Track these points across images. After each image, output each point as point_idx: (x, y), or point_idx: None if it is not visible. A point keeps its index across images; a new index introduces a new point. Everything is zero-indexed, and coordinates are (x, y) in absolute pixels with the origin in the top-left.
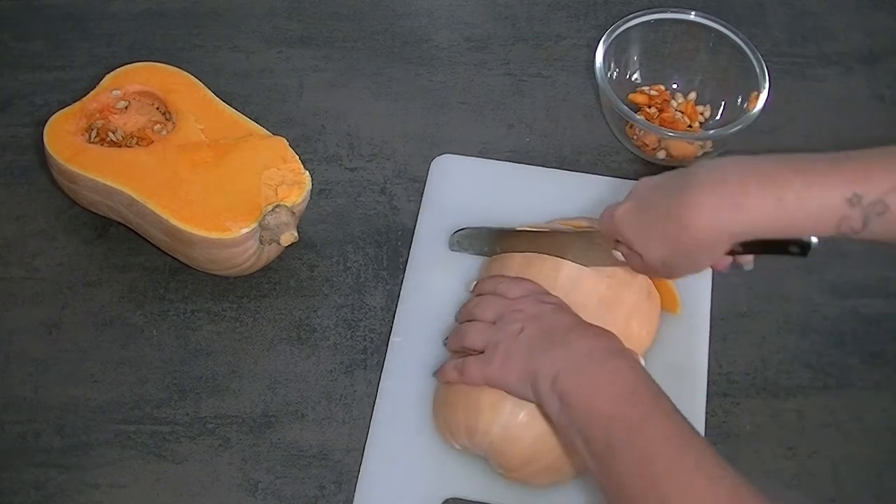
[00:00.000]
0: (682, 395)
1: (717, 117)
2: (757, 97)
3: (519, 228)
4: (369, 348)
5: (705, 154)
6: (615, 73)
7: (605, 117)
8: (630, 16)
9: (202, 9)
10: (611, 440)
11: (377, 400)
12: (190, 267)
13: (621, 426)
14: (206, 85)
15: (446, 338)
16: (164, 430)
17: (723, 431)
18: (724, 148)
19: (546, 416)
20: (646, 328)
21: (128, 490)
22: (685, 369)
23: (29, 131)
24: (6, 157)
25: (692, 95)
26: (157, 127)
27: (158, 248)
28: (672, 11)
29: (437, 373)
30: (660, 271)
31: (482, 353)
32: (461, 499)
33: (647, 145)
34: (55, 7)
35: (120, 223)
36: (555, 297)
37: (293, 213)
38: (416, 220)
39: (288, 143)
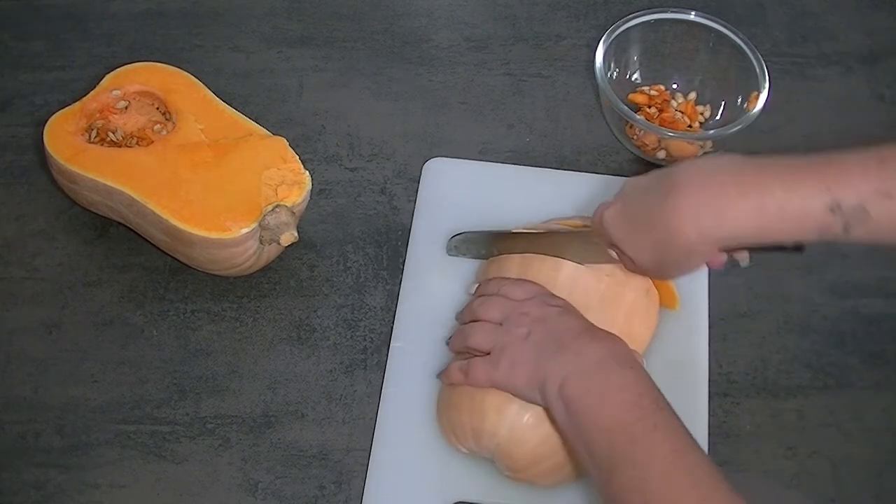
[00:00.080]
0: (683, 392)
1: (717, 117)
2: (757, 97)
3: (515, 230)
4: (369, 348)
5: (705, 154)
6: (615, 73)
7: (605, 117)
8: (630, 16)
9: (202, 9)
10: (612, 453)
11: (380, 406)
12: (190, 267)
13: (623, 439)
14: (206, 85)
15: (449, 338)
16: (164, 430)
17: (723, 431)
18: (723, 148)
19: (552, 419)
20: (646, 325)
21: (128, 490)
22: (686, 365)
23: (29, 131)
24: (6, 157)
25: (692, 95)
26: (157, 127)
27: (158, 248)
28: (672, 11)
29: (442, 374)
30: (651, 272)
31: (486, 353)
32: (468, 503)
33: (647, 145)
34: (55, 7)
35: (120, 223)
36: (560, 299)
37: (293, 213)
38: (411, 223)
39: (288, 143)
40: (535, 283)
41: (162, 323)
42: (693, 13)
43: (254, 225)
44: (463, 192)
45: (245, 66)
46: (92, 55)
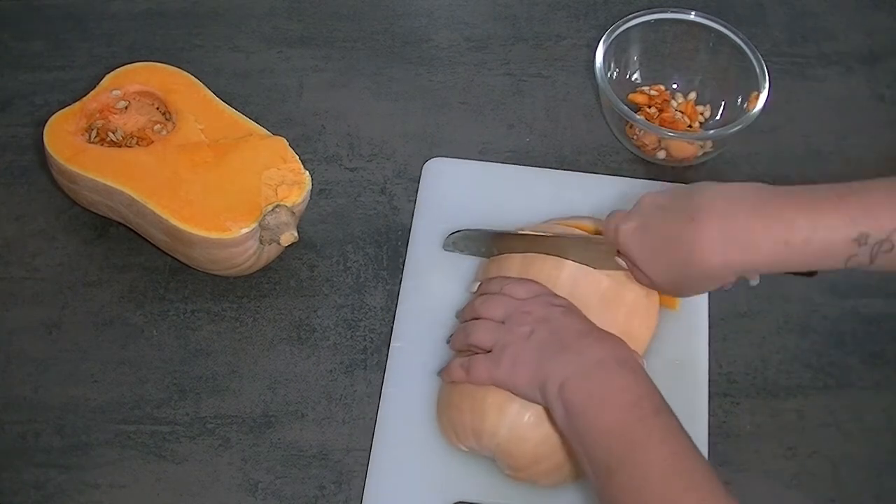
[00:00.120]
0: (683, 392)
1: (717, 117)
2: (757, 97)
3: (517, 231)
4: (369, 348)
5: (705, 154)
6: (615, 73)
7: (605, 117)
8: (630, 16)
9: (202, 9)
10: (611, 455)
11: (380, 406)
12: (190, 267)
13: (622, 442)
14: (206, 85)
15: (450, 337)
16: (164, 430)
17: (723, 431)
18: (723, 148)
19: (552, 419)
20: (646, 325)
21: (128, 490)
22: (686, 365)
23: (29, 131)
24: (6, 157)
25: (692, 95)
26: (157, 127)
27: (158, 248)
28: (672, 11)
29: (443, 372)
30: (665, 291)
31: (488, 351)
32: (469, 502)
33: (647, 145)
34: (55, 7)
35: (120, 223)
36: (563, 299)
37: (293, 213)
38: (411, 223)
39: (288, 143)
40: (537, 283)
41: (162, 323)
42: (693, 13)
43: (254, 225)
44: (463, 191)
45: (245, 66)
46: (92, 55)
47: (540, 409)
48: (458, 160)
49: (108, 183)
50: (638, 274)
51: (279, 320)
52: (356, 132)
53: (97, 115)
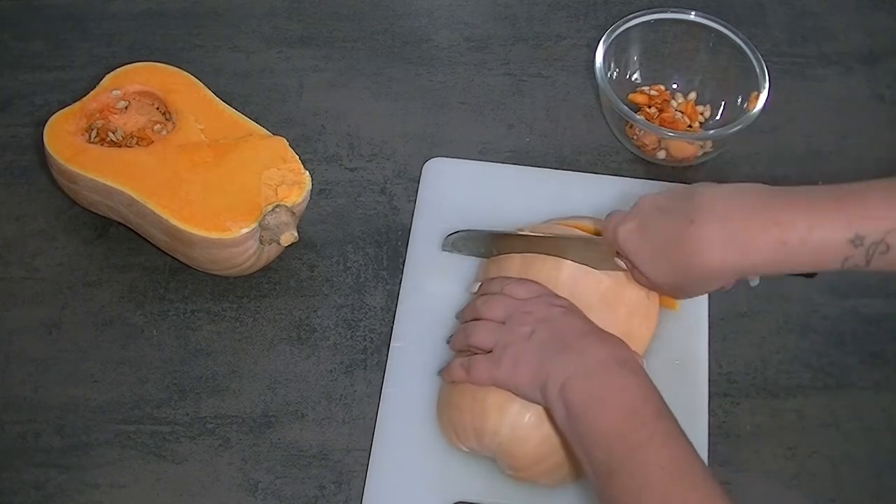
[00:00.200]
0: (683, 392)
1: (717, 117)
2: (757, 97)
3: (520, 233)
4: (369, 348)
5: (705, 154)
6: (615, 73)
7: (605, 117)
8: (630, 16)
9: (202, 9)
10: (611, 457)
11: (380, 407)
12: (190, 267)
13: (622, 445)
14: (206, 85)
15: (450, 337)
16: (164, 430)
17: (723, 431)
18: (723, 148)
19: (552, 419)
20: (646, 325)
21: (128, 490)
22: (686, 365)
23: (29, 131)
24: (6, 157)
25: (692, 95)
26: (157, 127)
27: (158, 248)
28: (672, 11)
29: (443, 371)
30: (665, 291)
31: (488, 352)
32: (469, 502)
33: (647, 145)
34: (55, 7)
35: (120, 223)
36: (564, 299)
37: (293, 213)
38: (411, 223)
39: (288, 143)
40: (538, 283)
41: (162, 323)
42: (693, 13)
43: (254, 225)
44: (463, 192)
45: (245, 66)
46: (92, 55)
47: (540, 409)
48: (458, 160)
49: (108, 183)
50: (637, 275)
51: (279, 320)
52: (356, 132)
53: (97, 115)
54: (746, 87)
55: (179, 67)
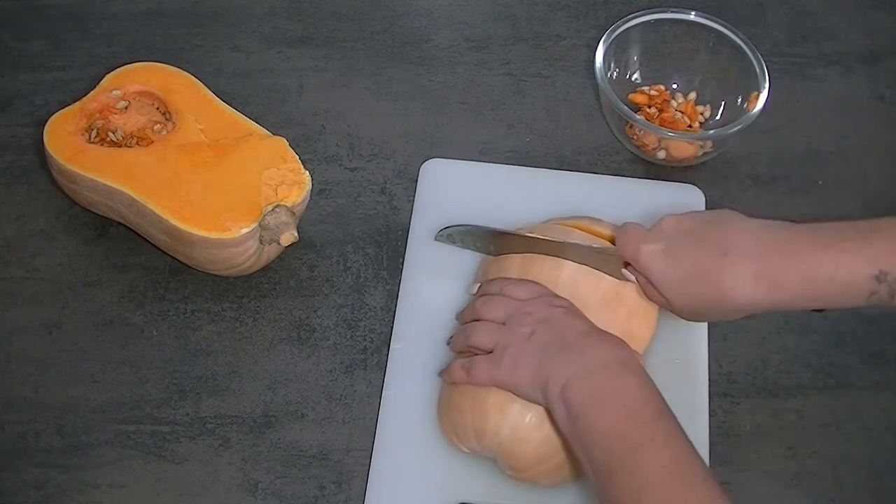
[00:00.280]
0: (683, 392)
1: (717, 117)
2: (757, 97)
3: (517, 231)
4: (369, 348)
5: (705, 154)
6: (615, 73)
7: (605, 117)
8: (630, 16)
9: (202, 9)
10: (611, 458)
11: (381, 407)
12: (190, 267)
13: (622, 446)
14: (206, 85)
15: (450, 338)
16: (164, 430)
17: (723, 431)
18: (723, 148)
19: (552, 419)
20: (646, 325)
21: (128, 490)
22: (686, 365)
23: (29, 131)
24: (6, 157)
25: (692, 95)
26: (157, 127)
27: (158, 248)
28: (672, 11)
29: (444, 373)
30: (681, 314)
31: (488, 352)
32: (470, 503)
33: (647, 145)
34: (55, 7)
35: (120, 223)
36: (564, 299)
37: (293, 213)
38: (410, 224)
39: (288, 143)
40: (538, 284)
41: (162, 323)
42: (693, 13)
43: (254, 225)
44: (462, 191)
45: (245, 66)
46: (92, 55)
47: (541, 409)
48: (455, 160)
49: (108, 183)
50: (652, 292)
51: (279, 320)
52: (356, 132)
53: (97, 115)
54: (746, 87)
55: (179, 67)
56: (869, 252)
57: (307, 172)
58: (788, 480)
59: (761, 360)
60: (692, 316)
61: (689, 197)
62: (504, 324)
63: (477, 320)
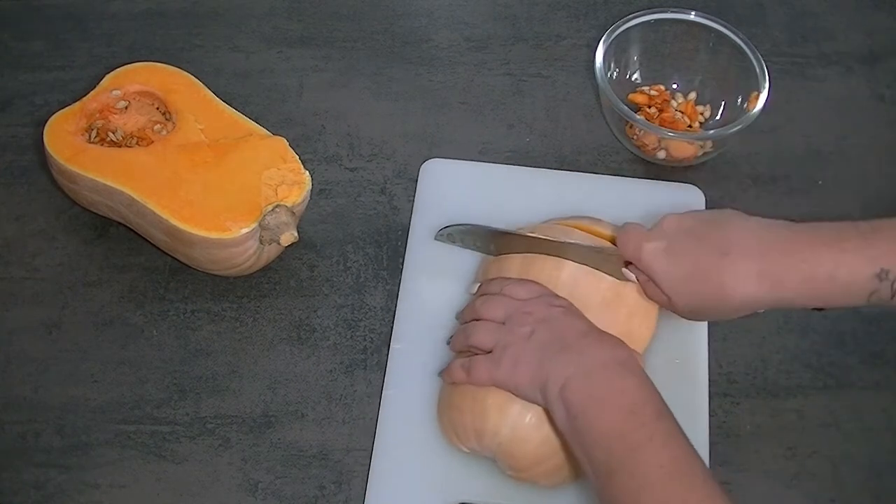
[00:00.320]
0: (683, 392)
1: (717, 117)
2: (757, 97)
3: (517, 231)
4: (369, 348)
5: (705, 154)
6: (615, 73)
7: (605, 117)
8: (630, 16)
9: (202, 9)
10: (610, 458)
11: (381, 407)
12: (190, 267)
13: (622, 446)
14: (206, 85)
15: (450, 338)
16: (164, 430)
17: (723, 431)
18: (723, 148)
19: (552, 420)
20: (646, 325)
21: (128, 490)
22: (686, 365)
23: (29, 131)
24: (6, 157)
25: (692, 95)
26: (157, 127)
27: (158, 248)
28: (672, 11)
29: (444, 372)
30: (682, 314)
31: (488, 352)
32: (470, 503)
33: (647, 145)
34: (55, 7)
35: (120, 223)
36: (563, 299)
37: (293, 213)
38: (410, 224)
39: (288, 143)
40: (538, 284)
41: (162, 323)
42: (693, 13)
43: (254, 225)
44: (462, 191)
45: (245, 66)
46: (92, 55)
47: (541, 409)
48: (455, 160)
49: (108, 183)
50: (653, 291)
51: (279, 320)
52: (356, 132)
53: (97, 115)
54: (746, 87)
55: (179, 67)
56: (870, 252)
57: (307, 172)
58: (788, 480)
59: (761, 360)
60: (693, 315)
61: (689, 197)
62: (504, 323)
63: (477, 320)
